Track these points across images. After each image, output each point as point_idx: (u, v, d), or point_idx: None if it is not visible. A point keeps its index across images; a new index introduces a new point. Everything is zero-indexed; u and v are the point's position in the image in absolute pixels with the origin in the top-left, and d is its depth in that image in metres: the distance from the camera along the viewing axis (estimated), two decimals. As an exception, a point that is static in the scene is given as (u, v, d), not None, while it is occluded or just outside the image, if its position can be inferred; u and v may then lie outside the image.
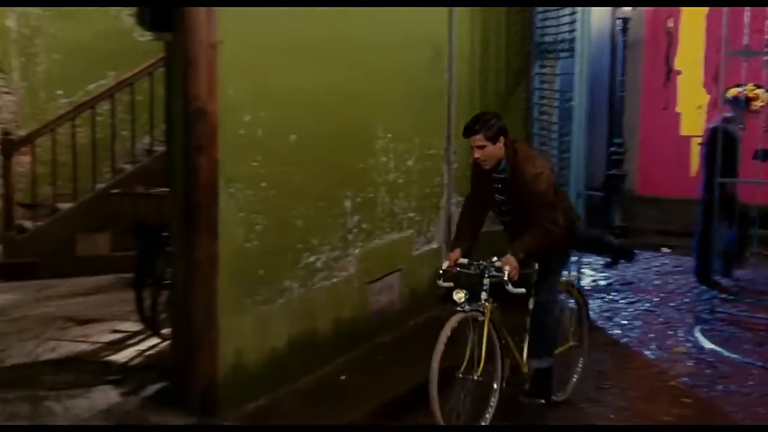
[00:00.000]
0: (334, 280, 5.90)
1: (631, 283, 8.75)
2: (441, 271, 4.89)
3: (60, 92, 9.76)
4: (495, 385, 4.90)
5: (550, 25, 7.65)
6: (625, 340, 6.87)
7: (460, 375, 4.61)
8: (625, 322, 7.34)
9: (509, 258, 4.70)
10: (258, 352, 5.26)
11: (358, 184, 6.12)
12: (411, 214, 6.78)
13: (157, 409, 5.14)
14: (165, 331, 6.16)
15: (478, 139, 4.74)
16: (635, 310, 7.71)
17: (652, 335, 6.97)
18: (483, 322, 4.70)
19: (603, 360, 6.35)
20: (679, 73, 11.17)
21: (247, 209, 5.10)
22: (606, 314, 7.54)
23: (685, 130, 11.13)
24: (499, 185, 4.92)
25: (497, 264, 4.70)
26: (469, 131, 4.77)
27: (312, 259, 5.67)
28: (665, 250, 10.31)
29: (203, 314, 4.95)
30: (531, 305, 5.13)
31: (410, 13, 6.43)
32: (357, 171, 6.13)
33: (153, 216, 6.57)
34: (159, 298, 6.38)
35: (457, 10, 7.11)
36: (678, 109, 11.20)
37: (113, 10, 9.77)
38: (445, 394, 4.59)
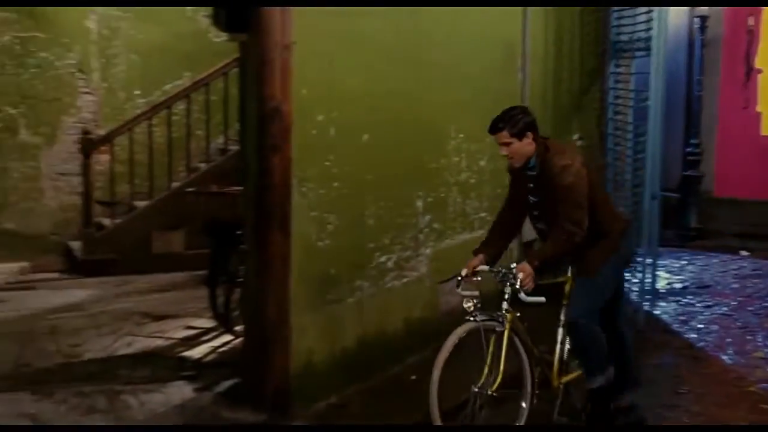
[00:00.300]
0: (405, 279, 5.91)
1: (707, 286, 8.56)
2: (459, 278, 4.56)
3: (138, 92, 9.95)
4: (524, 404, 4.56)
5: (626, 24, 7.55)
6: (701, 344, 6.72)
7: (476, 389, 4.36)
8: (702, 326, 7.18)
9: (523, 265, 4.40)
10: (328, 350, 5.29)
11: (429, 183, 6.11)
12: (483, 214, 6.73)
13: (230, 406, 5.21)
14: (238, 328, 6.25)
15: (503, 135, 4.46)
16: (712, 314, 7.53)
17: (730, 340, 6.81)
18: (502, 333, 4.40)
19: (679, 364, 6.23)
20: (759, 71, 10.87)
21: (320, 208, 5.14)
22: (681, 318, 7.39)
23: (766, 130, 10.84)
24: (532, 185, 4.61)
25: (514, 271, 4.40)
26: (493, 128, 4.51)
27: (383, 258, 5.69)
28: (744, 253, 10.06)
29: (275, 312, 5.00)
30: (562, 316, 4.78)
31: (484, 14, 6.40)
32: (429, 171, 6.12)
33: (226, 214, 6.65)
34: (232, 295, 6.46)
35: (530, 10, 7.05)
36: (759, 109, 10.91)
37: (189, 12, 9.94)
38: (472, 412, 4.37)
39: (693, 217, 11.00)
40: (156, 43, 9.81)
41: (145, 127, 9.31)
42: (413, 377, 5.71)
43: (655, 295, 7.62)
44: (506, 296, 4.43)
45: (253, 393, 5.17)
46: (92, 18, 9.69)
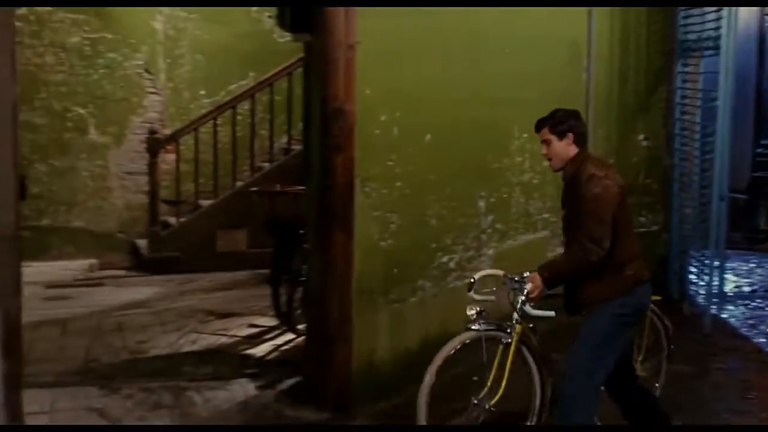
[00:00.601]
0: (468, 280, 5.87)
1: (777, 290, 8.39)
2: (472, 281, 4.41)
3: (203, 92, 10.08)
4: (529, 424, 4.35)
5: (694, 23, 7.41)
6: (770, 349, 6.59)
7: (475, 401, 4.25)
8: (771, 330, 7.04)
9: (533, 275, 4.15)
10: (390, 350, 5.29)
11: (492, 184, 6.08)
12: (546, 215, 6.67)
13: (292, 404, 5.25)
14: (300, 326, 6.28)
15: (544, 132, 4.30)
16: (782, 319, 7.38)
17: (801, 345, 6.66)
18: (509, 344, 4.19)
19: (747, 369, 6.11)
20: (832, 70, 10.61)
21: (382, 208, 5.14)
22: (750, 322, 7.23)
23: (838, 130, 10.56)
24: (565, 196, 4.31)
25: (525, 280, 4.16)
26: (537, 126, 4.36)
27: (445, 258, 5.67)
28: (815, 256, 9.83)
29: (338, 311, 5.02)
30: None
31: (548, 13, 6.33)
32: (492, 171, 6.09)
33: (289, 213, 6.69)
34: (294, 294, 6.49)
35: (596, 9, 6.96)
36: (831, 108, 10.63)
37: (254, 13, 10.03)
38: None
39: (762, 219, 10.75)
40: (221, 44, 9.93)
41: (210, 126, 9.42)
42: (475, 378, 5.67)
43: (723, 298, 7.46)
44: (517, 306, 4.21)
45: (315, 392, 5.19)
46: (159, 19, 9.85)
